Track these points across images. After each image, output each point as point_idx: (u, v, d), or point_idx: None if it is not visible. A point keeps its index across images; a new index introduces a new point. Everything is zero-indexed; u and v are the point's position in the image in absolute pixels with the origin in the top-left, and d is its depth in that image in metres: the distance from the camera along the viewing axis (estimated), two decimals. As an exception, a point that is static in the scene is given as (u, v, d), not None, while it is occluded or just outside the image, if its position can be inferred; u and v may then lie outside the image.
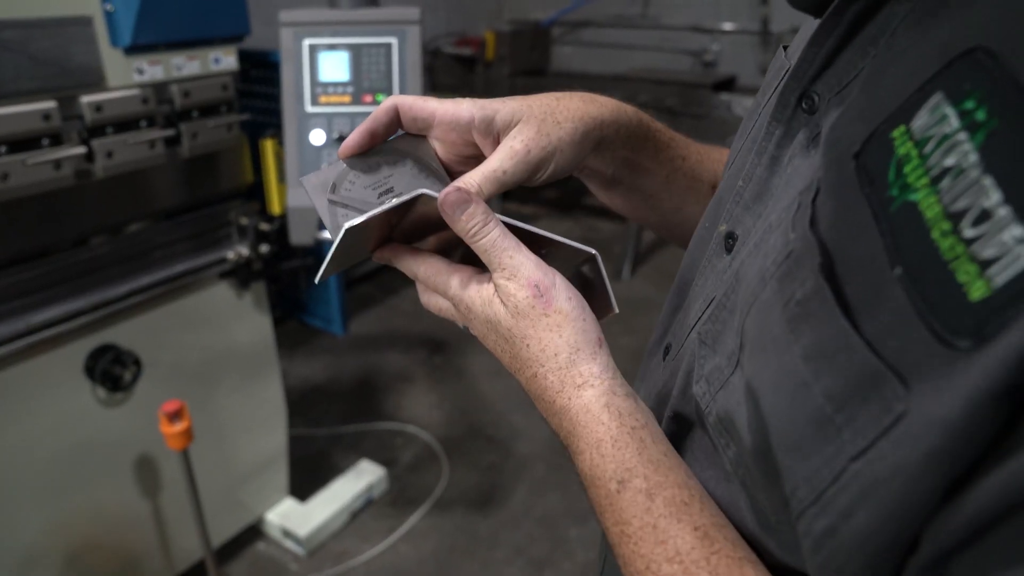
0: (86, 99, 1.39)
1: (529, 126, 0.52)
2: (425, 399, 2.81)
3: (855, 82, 0.38)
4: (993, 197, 0.26)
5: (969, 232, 0.27)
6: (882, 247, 0.30)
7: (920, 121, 0.31)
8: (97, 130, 1.42)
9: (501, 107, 0.52)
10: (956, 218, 0.27)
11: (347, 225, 0.46)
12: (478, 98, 0.54)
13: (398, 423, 2.65)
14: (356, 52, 1.50)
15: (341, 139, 1.52)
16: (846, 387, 0.31)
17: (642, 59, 4.43)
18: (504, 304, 0.48)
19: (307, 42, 1.50)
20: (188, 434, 1.42)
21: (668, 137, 0.63)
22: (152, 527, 1.74)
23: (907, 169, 0.30)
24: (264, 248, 1.70)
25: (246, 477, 1.98)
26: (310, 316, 2.02)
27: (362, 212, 0.50)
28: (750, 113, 0.53)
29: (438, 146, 0.56)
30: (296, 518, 2.07)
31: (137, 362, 1.55)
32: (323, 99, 1.52)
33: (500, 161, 0.51)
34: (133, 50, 1.45)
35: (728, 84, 3.73)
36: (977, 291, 0.26)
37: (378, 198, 0.54)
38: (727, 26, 4.12)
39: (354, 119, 1.52)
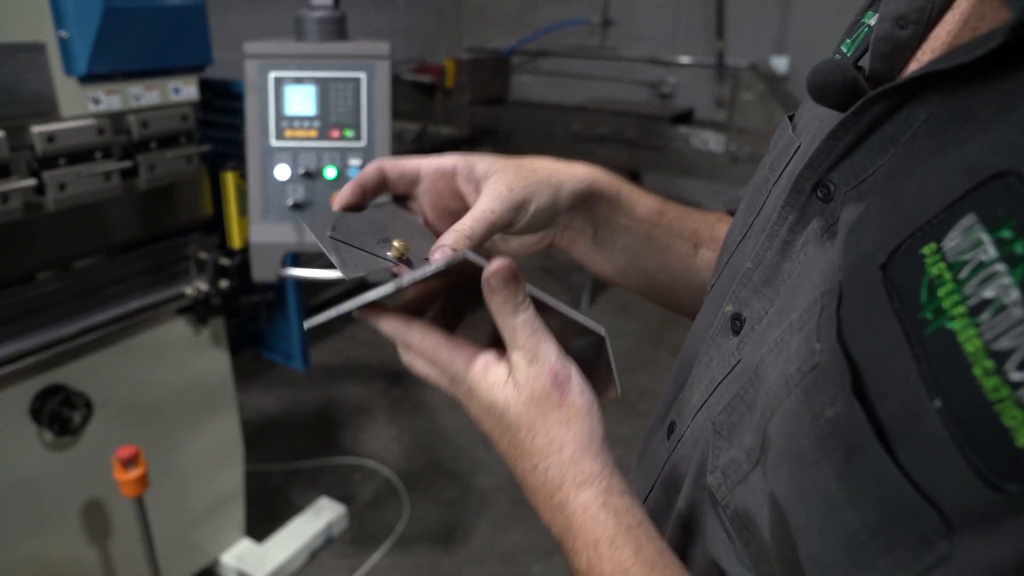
0: (37, 129, 1.33)
1: (508, 171, 0.55)
2: (384, 432, 2.75)
3: (873, 178, 0.38)
4: None
5: (1016, 376, 0.26)
6: (916, 372, 0.29)
7: (953, 242, 0.30)
8: (49, 161, 1.36)
9: (481, 158, 0.56)
10: (1000, 358, 0.27)
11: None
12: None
13: (357, 457, 2.59)
14: (323, 86, 1.48)
15: (308, 174, 1.49)
16: (883, 515, 0.30)
17: (600, 90, 4.49)
18: (517, 387, 0.46)
19: (273, 75, 1.47)
20: (143, 480, 1.36)
21: (643, 196, 0.64)
22: (100, 575, 1.65)
23: (941, 292, 0.30)
24: (224, 283, 1.65)
25: (200, 518, 1.90)
26: (270, 351, 1.96)
27: (364, 251, 0.51)
28: (758, 187, 0.53)
29: (424, 200, 0.57)
30: (253, 560, 2.00)
31: (88, 403, 1.47)
32: (288, 133, 1.49)
33: (487, 203, 0.53)
34: (89, 79, 1.40)
35: (686, 117, 3.80)
36: None
37: (377, 244, 0.53)
38: (683, 59, 4.21)
39: (320, 154, 1.50)
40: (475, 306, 0.55)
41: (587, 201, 0.59)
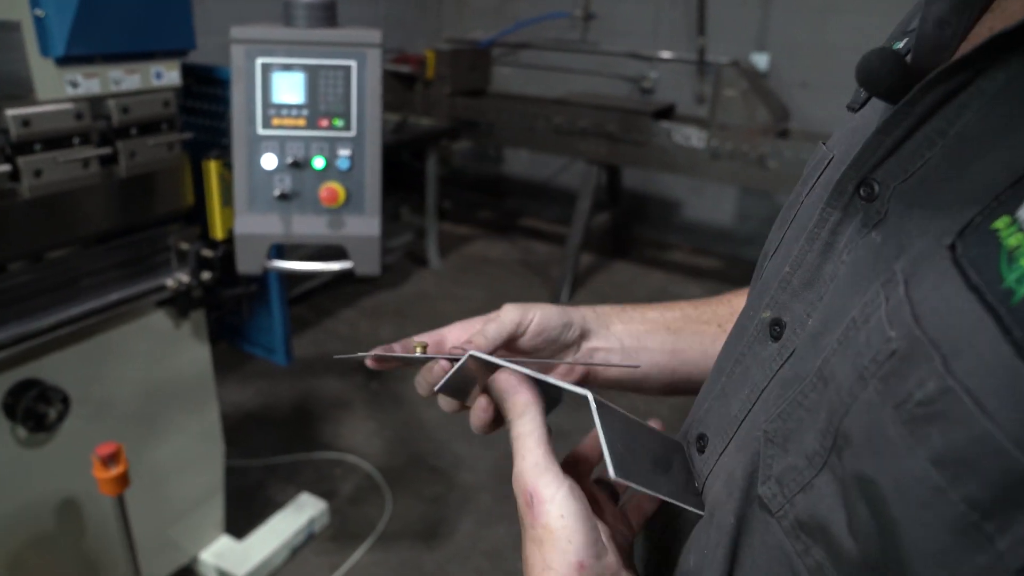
0: (11, 112, 1.27)
1: (516, 305, 0.62)
2: (364, 426, 2.72)
3: (923, 170, 0.38)
4: None
5: None
6: (1007, 343, 0.29)
7: None
8: (24, 146, 1.31)
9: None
10: None
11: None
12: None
13: (337, 452, 2.55)
14: (312, 74, 1.44)
15: (295, 164, 1.45)
16: (995, 493, 0.29)
17: (580, 83, 4.48)
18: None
19: (260, 61, 1.43)
20: (124, 478, 1.31)
21: (652, 307, 0.69)
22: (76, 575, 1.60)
23: None
24: (206, 275, 1.60)
25: (179, 515, 1.85)
26: (251, 344, 1.92)
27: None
28: (789, 205, 0.53)
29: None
30: (233, 557, 1.96)
31: (64, 399, 1.42)
32: (276, 121, 1.45)
33: (494, 318, 0.61)
34: (66, 61, 1.34)
35: (667, 112, 3.80)
36: None
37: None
38: (665, 54, 4.22)
39: (309, 144, 1.46)
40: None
41: (602, 322, 0.66)
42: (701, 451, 0.53)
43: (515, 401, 0.49)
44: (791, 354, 0.44)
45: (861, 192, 0.41)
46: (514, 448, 0.48)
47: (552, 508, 0.45)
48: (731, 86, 3.33)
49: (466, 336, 0.62)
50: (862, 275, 0.39)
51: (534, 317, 0.62)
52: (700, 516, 0.50)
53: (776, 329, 0.46)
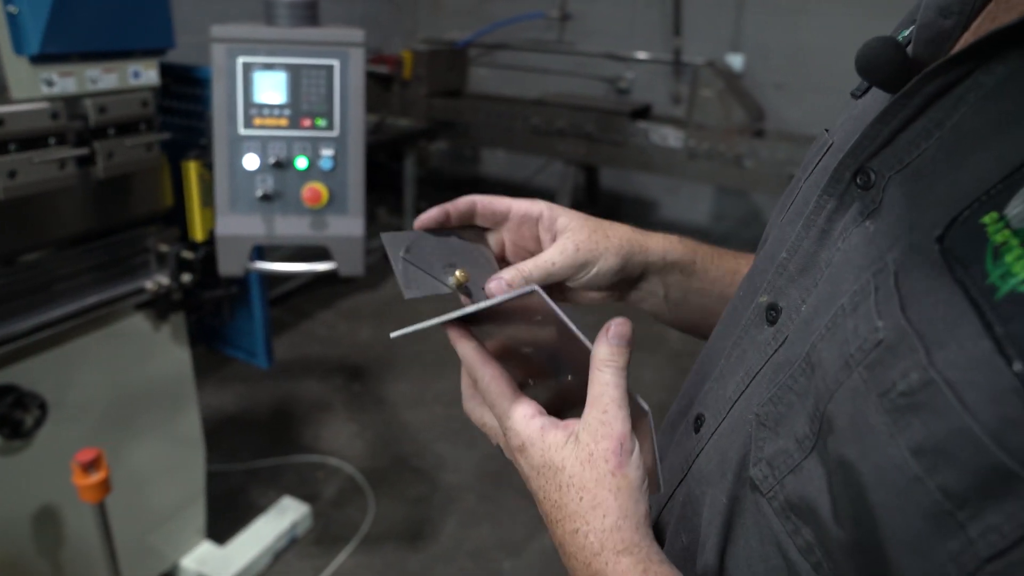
0: (-15, 112, 1.24)
1: (583, 231, 0.59)
2: (345, 429, 2.70)
3: (919, 160, 0.38)
4: None
5: None
6: (988, 338, 0.30)
7: (1016, 210, 0.30)
8: (-1, 147, 1.28)
9: (564, 212, 0.61)
10: None
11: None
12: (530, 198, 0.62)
13: (319, 455, 2.53)
14: (295, 73, 1.42)
15: (278, 164, 1.43)
16: (969, 484, 0.30)
17: (557, 84, 4.49)
18: (577, 445, 0.46)
19: (241, 60, 1.41)
20: (105, 485, 1.29)
21: (719, 257, 0.66)
22: (52, 585, 1.57)
23: (1009, 258, 0.30)
24: (186, 277, 1.58)
25: (160, 521, 1.82)
26: (232, 347, 1.90)
27: (428, 274, 0.56)
28: (788, 191, 0.54)
29: (506, 237, 0.63)
30: (215, 563, 1.93)
31: (42, 404, 1.39)
32: (257, 121, 1.43)
33: (552, 254, 0.58)
34: (41, 59, 1.31)
35: (644, 112, 3.83)
36: None
37: (443, 268, 0.58)
38: (641, 55, 4.24)
39: (291, 144, 1.44)
40: (547, 373, 0.58)
41: (659, 270, 0.63)
42: (696, 430, 0.54)
43: (625, 351, 0.48)
44: (785, 340, 0.45)
45: (858, 180, 0.42)
46: (605, 394, 0.46)
47: (634, 459, 0.46)
48: (708, 86, 3.37)
49: (527, 236, 0.62)
50: (855, 263, 0.39)
51: (595, 270, 0.59)
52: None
53: (772, 314, 0.47)
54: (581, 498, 0.45)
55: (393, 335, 0.52)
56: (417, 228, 0.59)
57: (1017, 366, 0.28)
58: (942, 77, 0.37)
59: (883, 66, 0.41)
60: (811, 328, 0.42)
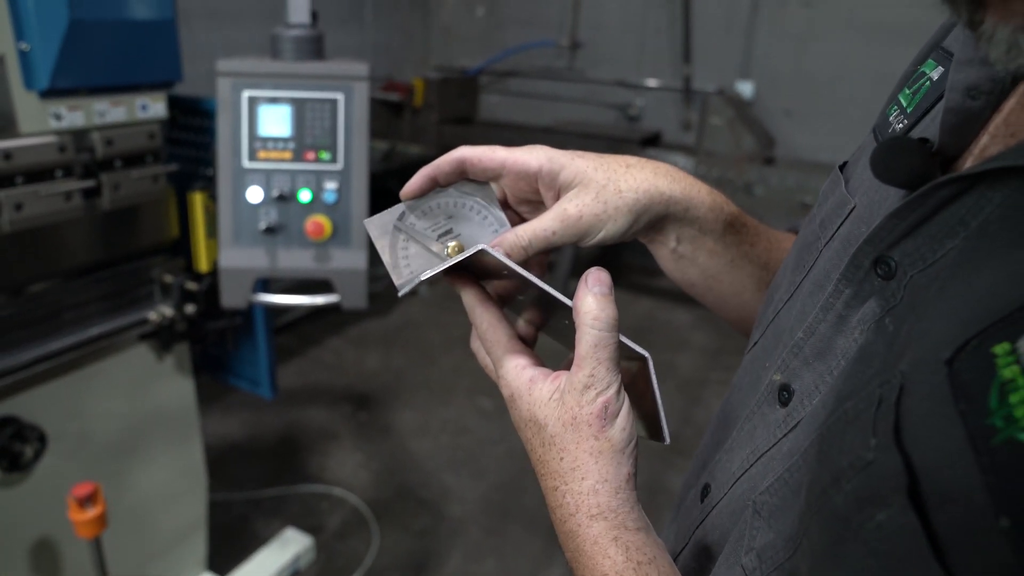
0: (-7, 146, 1.26)
1: (588, 191, 0.53)
2: (351, 458, 2.68)
3: (943, 261, 0.36)
4: None
5: None
6: (982, 484, 0.27)
7: None
8: (5, 180, 1.29)
9: (568, 163, 0.53)
10: None
11: (423, 276, 0.51)
12: (547, 148, 0.55)
13: (323, 485, 2.51)
14: (299, 107, 1.43)
15: (281, 197, 1.43)
16: None
17: (567, 111, 4.51)
18: (561, 406, 0.46)
19: (247, 94, 1.42)
20: (102, 520, 1.28)
21: (741, 221, 0.61)
22: (50, 619, 1.55)
23: (1014, 399, 0.27)
24: (190, 308, 1.58)
25: (160, 551, 1.81)
26: (235, 377, 1.89)
27: (424, 247, 0.54)
28: (807, 245, 0.51)
29: (505, 188, 0.57)
30: (214, 597, 1.91)
31: (41, 437, 1.39)
32: (262, 154, 1.44)
33: (552, 222, 0.53)
34: (51, 94, 1.33)
35: (654, 140, 3.83)
36: None
37: (438, 239, 0.55)
38: (651, 82, 4.26)
39: (295, 177, 1.45)
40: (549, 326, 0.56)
41: (679, 221, 0.57)
42: (702, 499, 0.52)
43: (613, 312, 0.46)
44: (795, 425, 0.44)
45: (878, 270, 0.40)
46: (592, 354, 0.45)
47: (619, 421, 0.45)
48: (717, 114, 3.37)
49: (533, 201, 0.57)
50: (869, 366, 0.37)
51: (601, 235, 0.54)
52: None
53: (784, 395, 0.46)
54: (562, 458, 0.45)
55: (400, 293, 0.53)
56: (403, 199, 0.55)
57: (1004, 522, 0.26)
58: (952, 187, 0.35)
59: (902, 172, 0.39)
60: (815, 422, 0.41)
